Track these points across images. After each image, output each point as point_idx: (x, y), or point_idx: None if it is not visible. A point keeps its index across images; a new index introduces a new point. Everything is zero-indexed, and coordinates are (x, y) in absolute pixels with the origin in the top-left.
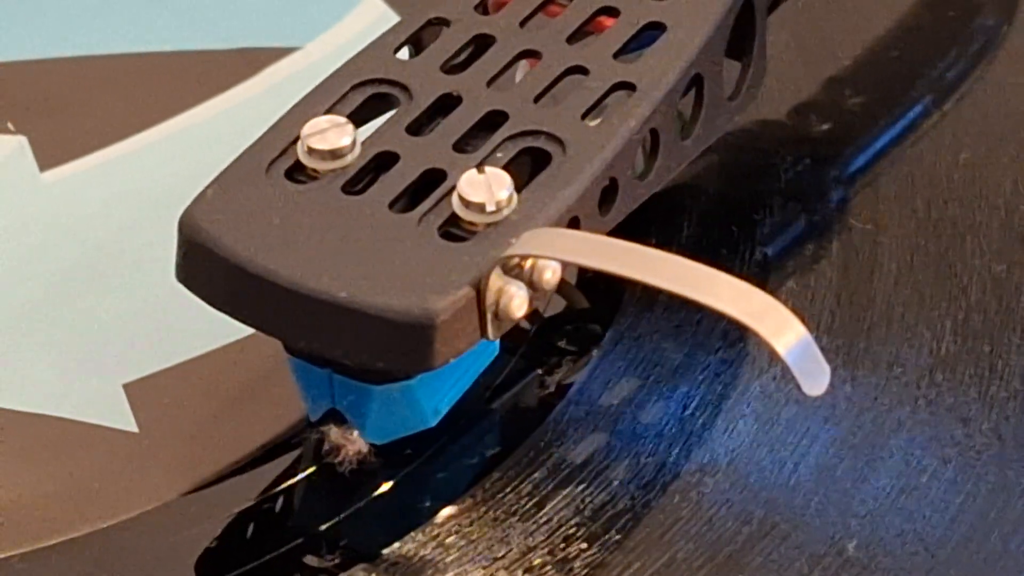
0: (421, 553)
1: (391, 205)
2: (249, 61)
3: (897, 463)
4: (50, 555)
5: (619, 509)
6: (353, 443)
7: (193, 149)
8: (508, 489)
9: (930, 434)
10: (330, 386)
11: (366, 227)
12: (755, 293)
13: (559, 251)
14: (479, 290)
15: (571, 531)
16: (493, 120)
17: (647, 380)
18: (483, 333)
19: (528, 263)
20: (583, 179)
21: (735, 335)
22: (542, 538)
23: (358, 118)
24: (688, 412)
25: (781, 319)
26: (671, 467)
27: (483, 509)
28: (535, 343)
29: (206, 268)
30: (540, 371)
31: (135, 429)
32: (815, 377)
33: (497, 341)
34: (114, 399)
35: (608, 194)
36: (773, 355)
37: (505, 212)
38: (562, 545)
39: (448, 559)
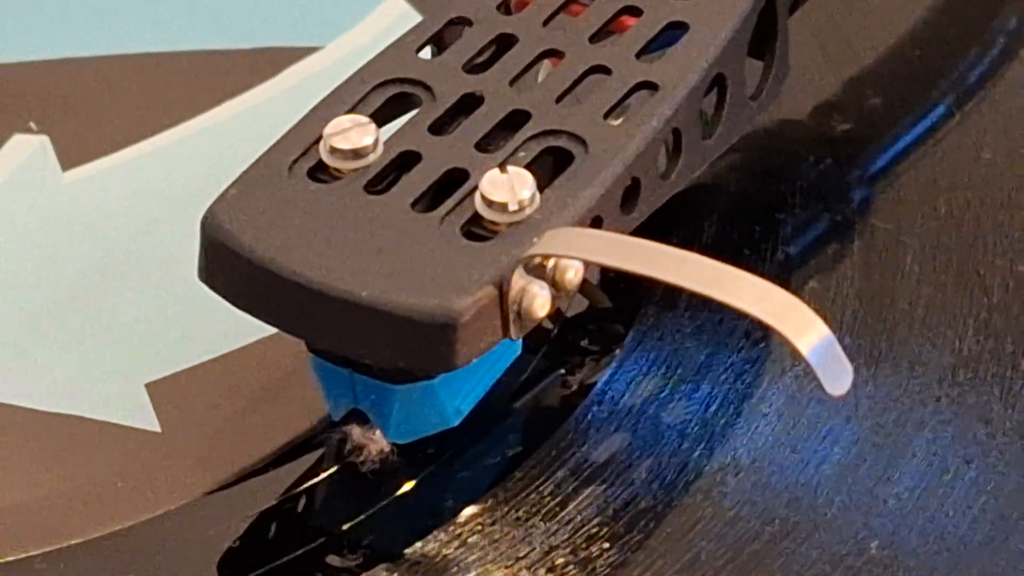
0: (443, 552)
1: (413, 204)
2: (271, 61)
3: (919, 463)
4: (72, 555)
5: (641, 509)
6: (375, 443)
7: (215, 148)
8: (530, 488)
9: (952, 434)
10: (352, 386)
11: (388, 226)
12: (777, 293)
13: (581, 251)
14: (501, 290)
15: (593, 531)
16: (515, 120)
17: (669, 379)
18: (505, 333)
19: (550, 263)
20: (605, 179)
21: (757, 334)
22: (564, 537)
23: (380, 117)
24: (710, 411)
25: (804, 319)
26: (693, 467)
27: (505, 508)
28: (557, 343)
29: (228, 267)
30: (562, 371)
31: (157, 429)
32: (838, 377)
33: (519, 341)
34: (136, 399)
35: (630, 194)
36: (796, 355)
37: (527, 212)
38: (584, 545)
39: (470, 558)
